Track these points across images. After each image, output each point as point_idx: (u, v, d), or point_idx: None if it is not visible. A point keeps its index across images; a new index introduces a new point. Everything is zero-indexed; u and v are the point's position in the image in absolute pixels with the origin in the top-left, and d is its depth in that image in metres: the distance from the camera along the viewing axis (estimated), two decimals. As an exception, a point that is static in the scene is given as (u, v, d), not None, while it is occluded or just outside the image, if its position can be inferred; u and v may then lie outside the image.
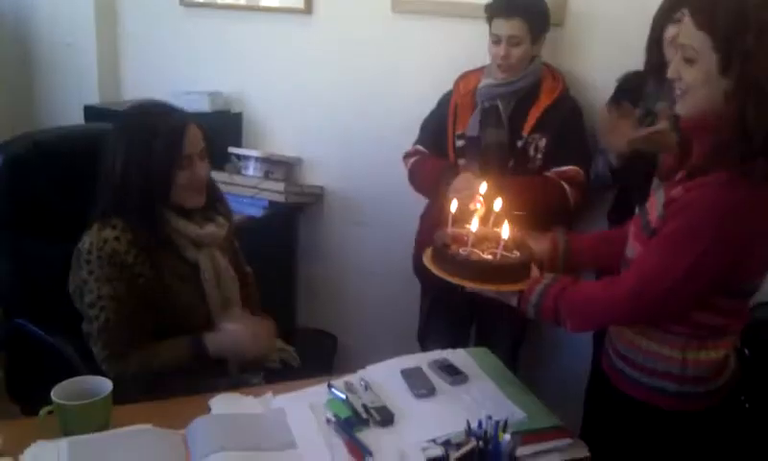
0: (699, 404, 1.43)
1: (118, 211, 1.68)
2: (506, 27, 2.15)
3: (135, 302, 1.68)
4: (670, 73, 1.34)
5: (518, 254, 1.52)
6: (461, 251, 1.50)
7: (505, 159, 2.20)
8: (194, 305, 1.76)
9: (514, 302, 1.50)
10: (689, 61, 1.29)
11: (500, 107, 2.20)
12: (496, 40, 2.17)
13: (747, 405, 1.69)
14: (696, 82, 1.28)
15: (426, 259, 1.52)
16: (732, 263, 1.30)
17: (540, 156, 2.18)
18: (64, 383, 1.40)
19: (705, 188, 1.28)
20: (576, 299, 1.44)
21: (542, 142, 2.17)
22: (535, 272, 1.52)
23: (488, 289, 1.48)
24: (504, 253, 1.50)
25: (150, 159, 1.66)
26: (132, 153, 1.67)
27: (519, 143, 2.19)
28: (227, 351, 1.73)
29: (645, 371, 1.45)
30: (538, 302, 1.46)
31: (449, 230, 1.56)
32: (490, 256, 1.49)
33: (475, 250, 1.50)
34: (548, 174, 2.18)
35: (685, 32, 1.29)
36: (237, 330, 1.72)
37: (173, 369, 1.68)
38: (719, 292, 1.35)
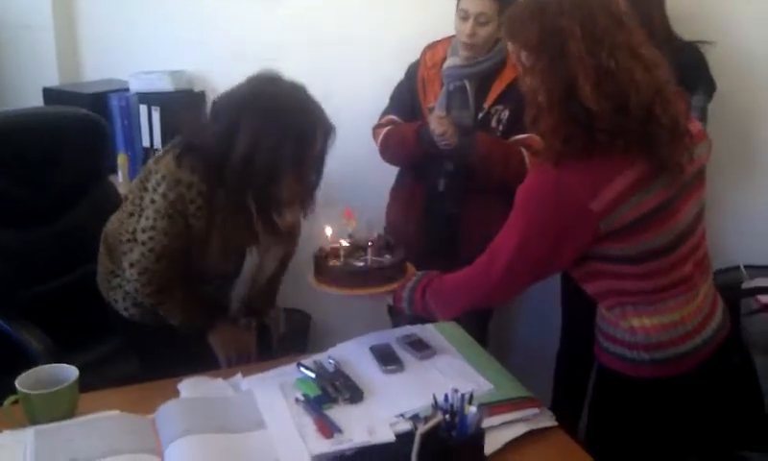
0: (664, 370, 1.43)
1: (208, 161, 1.65)
2: (475, 4, 2.08)
3: (180, 243, 1.70)
4: None
5: (389, 257, 1.63)
6: (335, 263, 1.61)
7: (468, 133, 2.18)
8: (222, 270, 1.80)
9: (390, 301, 1.63)
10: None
11: (468, 87, 2.17)
12: (464, 16, 2.11)
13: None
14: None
15: (309, 275, 1.65)
16: (552, 235, 1.35)
17: (501, 127, 2.17)
18: (29, 372, 1.39)
19: (530, 170, 1.38)
20: (441, 288, 1.55)
21: (505, 114, 2.16)
22: (411, 271, 1.65)
23: (362, 293, 1.60)
24: (375, 258, 1.61)
25: (276, 156, 1.62)
26: (261, 138, 1.61)
27: (480, 115, 2.18)
28: (216, 348, 1.86)
29: (609, 339, 1.47)
30: (409, 297, 1.58)
31: (327, 244, 1.67)
32: (361, 263, 1.60)
33: (349, 260, 1.62)
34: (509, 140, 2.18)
35: None
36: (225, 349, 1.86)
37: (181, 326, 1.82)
38: (559, 261, 1.40)
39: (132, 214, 1.76)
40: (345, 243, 1.65)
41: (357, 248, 1.66)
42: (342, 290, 1.60)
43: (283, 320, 2.14)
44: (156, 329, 1.83)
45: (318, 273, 1.64)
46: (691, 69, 2.09)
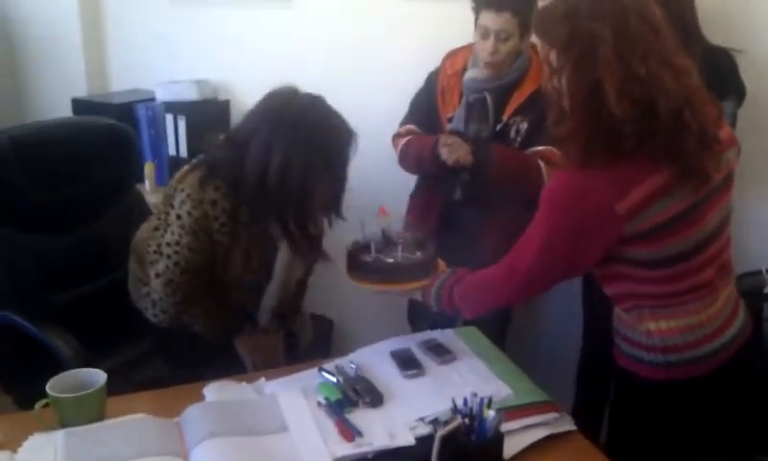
0: (680, 373, 1.43)
1: (235, 180, 1.69)
2: (495, 21, 2.04)
3: (204, 257, 1.75)
4: None
5: (420, 254, 1.65)
6: (366, 257, 1.63)
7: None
8: (248, 280, 1.84)
9: (419, 297, 1.65)
10: None
11: (488, 100, 2.15)
12: (484, 34, 2.08)
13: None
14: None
15: (342, 269, 1.69)
16: (575, 238, 1.36)
17: (519, 138, 2.16)
18: (59, 376, 1.42)
19: (555, 173, 1.40)
20: (467, 287, 1.57)
21: (524, 125, 2.15)
22: (442, 267, 1.67)
23: (393, 288, 1.64)
24: (406, 254, 1.63)
25: (308, 171, 1.65)
26: (293, 157, 1.64)
27: (498, 127, 2.16)
28: (243, 354, 1.88)
29: (626, 340, 1.48)
30: (437, 294, 1.61)
31: (361, 239, 1.69)
32: (392, 260, 1.63)
33: (381, 255, 1.64)
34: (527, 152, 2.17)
35: None
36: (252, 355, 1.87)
37: (206, 334, 1.84)
38: (584, 263, 1.41)
39: (157, 228, 1.81)
40: (377, 239, 1.68)
41: (390, 244, 1.68)
42: (373, 285, 1.63)
43: (310, 326, 2.16)
44: (184, 335, 1.87)
45: (350, 267, 1.67)
46: (722, 74, 2.07)
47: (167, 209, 1.77)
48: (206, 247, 1.73)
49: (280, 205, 1.70)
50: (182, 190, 1.71)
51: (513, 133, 2.16)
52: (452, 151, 2.08)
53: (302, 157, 1.63)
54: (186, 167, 1.80)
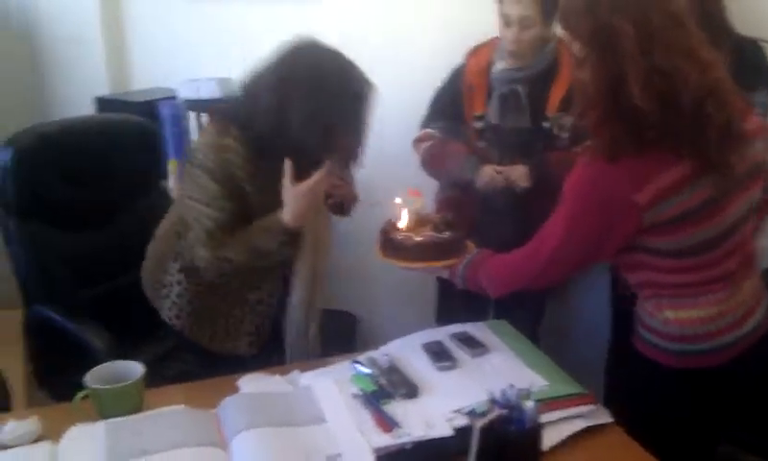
0: (695, 362, 1.44)
1: (249, 128, 1.67)
2: (517, 7, 2.02)
3: (237, 205, 1.71)
4: None
5: (449, 234, 1.68)
6: (397, 236, 1.66)
7: (528, 144, 2.15)
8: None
9: (445, 275, 1.69)
10: None
11: (520, 91, 2.13)
12: (507, 21, 2.06)
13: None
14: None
15: (376, 246, 1.71)
16: (596, 227, 1.39)
17: (565, 134, 2.12)
18: (96, 369, 1.43)
19: (579, 162, 1.42)
20: (492, 267, 1.61)
21: (567, 121, 2.11)
22: (471, 248, 1.70)
23: (422, 266, 1.67)
24: (435, 234, 1.67)
25: (331, 124, 1.65)
26: (317, 111, 1.63)
27: (546, 124, 2.14)
28: (301, 209, 1.68)
29: (645, 327, 1.49)
30: (463, 274, 1.64)
31: (395, 218, 1.71)
32: (421, 238, 1.65)
33: (410, 234, 1.67)
34: (576, 150, 2.11)
35: None
36: (297, 187, 1.68)
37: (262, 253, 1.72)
38: (603, 251, 1.43)
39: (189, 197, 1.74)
40: (408, 218, 1.70)
41: (421, 223, 1.71)
42: (402, 262, 1.67)
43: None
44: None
45: (382, 245, 1.70)
46: (752, 65, 2.06)
47: (189, 170, 1.72)
48: (236, 194, 1.69)
49: (298, 151, 1.67)
50: (200, 144, 1.70)
51: (556, 130, 2.13)
52: (498, 181, 2.08)
53: (317, 105, 1.63)
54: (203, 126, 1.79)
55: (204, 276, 1.75)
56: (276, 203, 1.68)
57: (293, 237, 1.71)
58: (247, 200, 1.72)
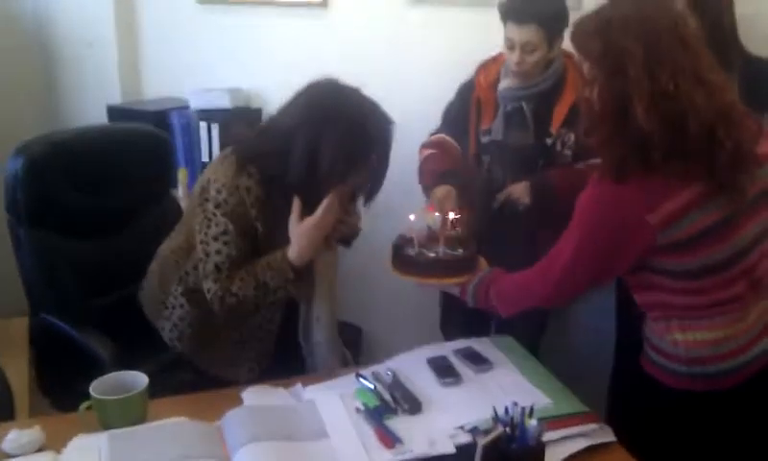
0: (702, 385, 1.43)
1: (273, 169, 1.69)
2: (519, 33, 2.02)
3: (248, 242, 1.72)
4: None
5: (462, 251, 1.69)
6: (410, 251, 1.66)
7: (532, 161, 2.15)
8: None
9: (456, 291, 1.69)
10: None
11: (525, 108, 2.14)
12: (510, 45, 2.07)
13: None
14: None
15: (387, 260, 1.72)
16: (607, 248, 1.39)
17: (568, 151, 2.13)
18: (101, 379, 1.44)
19: (590, 181, 1.43)
20: (503, 286, 1.61)
21: (570, 137, 2.12)
22: (483, 264, 1.71)
23: (432, 282, 1.69)
24: (448, 250, 1.68)
25: (351, 161, 1.67)
26: (340, 149, 1.64)
27: (549, 141, 2.14)
28: (307, 245, 1.70)
29: (653, 348, 1.49)
30: (474, 292, 1.64)
31: (408, 232, 1.71)
32: (434, 254, 1.67)
33: (423, 249, 1.68)
34: (579, 166, 2.12)
35: None
36: (303, 223, 1.70)
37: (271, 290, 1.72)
38: (614, 271, 1.46)
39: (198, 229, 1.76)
40: (421, 234, 1.72)
41: (433, 240, 1.71)
42: (414, 278, 1.68)
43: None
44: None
45: (394, 260, 1.72)
46: (764, 86, 2.05)
47: (202, 204, 1.73)
48: (247, 232, 1.71)
49: (309, 188, 1.68)
50: (216, 180, 1.71)
51: (559, 146, 2.14)
52: (508, 195, 2.10)
53: (349, 148, 1.65)
54: (216, 159, 1.80)
55: (211, 307, 1.75)
56: (285, 239, 1.71)
57: (298, 274, 1.72)
58: (257, 237, 1.74)
